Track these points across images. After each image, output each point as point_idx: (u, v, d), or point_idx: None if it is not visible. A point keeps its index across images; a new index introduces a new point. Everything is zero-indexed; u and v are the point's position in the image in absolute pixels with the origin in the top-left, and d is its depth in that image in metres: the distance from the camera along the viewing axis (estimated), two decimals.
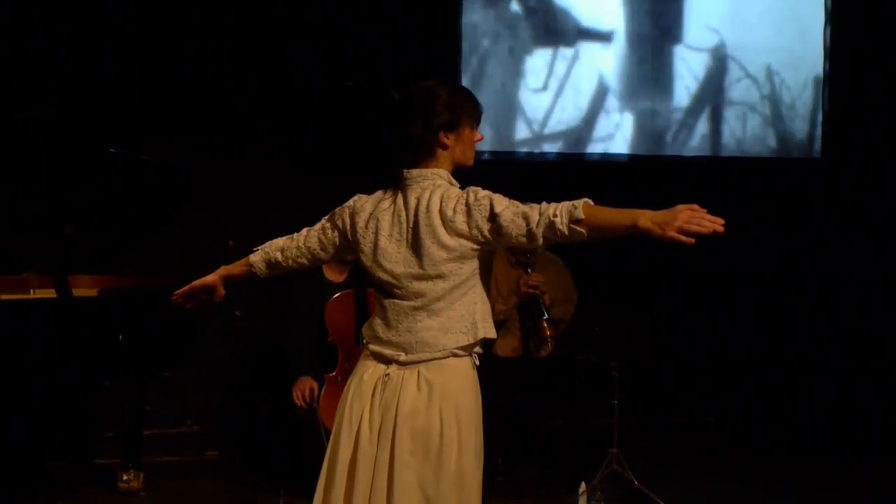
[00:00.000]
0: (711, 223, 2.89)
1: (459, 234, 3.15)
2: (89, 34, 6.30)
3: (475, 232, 3.14)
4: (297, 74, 6.74)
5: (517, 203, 3.13)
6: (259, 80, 6.66)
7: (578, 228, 2.99)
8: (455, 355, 3.23)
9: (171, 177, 5.49)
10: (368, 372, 3.31)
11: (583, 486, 5.45)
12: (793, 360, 7.58)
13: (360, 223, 3.32)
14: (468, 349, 3.24)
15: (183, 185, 5.54)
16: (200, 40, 6.54)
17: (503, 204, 3.12)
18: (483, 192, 3.18)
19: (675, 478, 5.99)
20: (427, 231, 3.18)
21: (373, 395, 3.28)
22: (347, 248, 3.39)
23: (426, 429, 3.18)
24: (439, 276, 3.20)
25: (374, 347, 3.32)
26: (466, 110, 3.29)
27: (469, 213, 3.13)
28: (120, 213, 5.39)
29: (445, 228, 3.16)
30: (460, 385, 3.22)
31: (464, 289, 3.21)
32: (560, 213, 3.01)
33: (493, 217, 3.11)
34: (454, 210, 3.15)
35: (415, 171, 3.26)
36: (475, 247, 3.17)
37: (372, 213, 3.30)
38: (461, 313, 3.22)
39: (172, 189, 5.51)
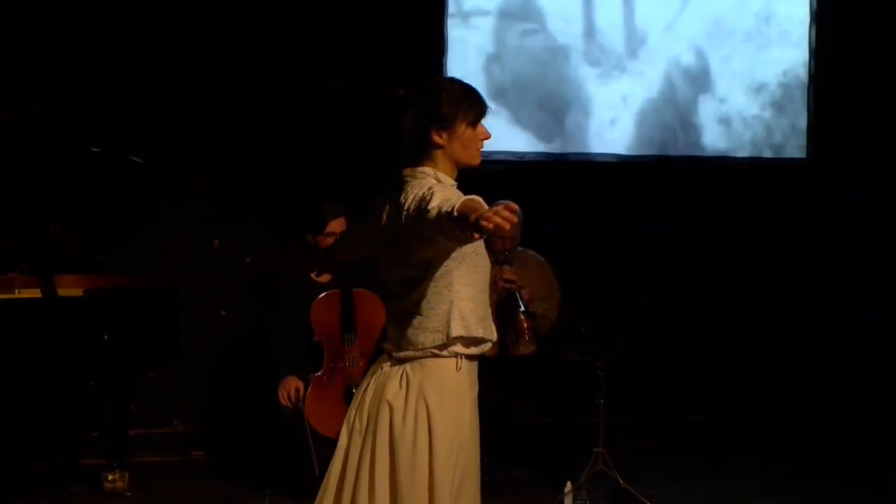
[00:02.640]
0: (497, 221, 2.70)
1: (415, 232, 3.10)
2: (71, 33, 6.29)
3: (420, 227, 3.07)
4: (283, 74, 6.72)
5: (450, 196, 3.03)
6: (244, 79, 6.65)
7: (453, 224, 2.88)
8: (436, 355, 3.22)
9: (154, 176, 5.48)
10: (374, 366, 3.37)
11: (568, 485, 5.45)
12: (779, 360, 7.60)
13: (375, 221, 3.33)
14: (443, 348, 3.22)
15: (166, 184, 5.53)
16: (185, 39, 6.52)
17: (439, 198, 3.02)
18: (433, 188, 3.11)
19: (660, 477, 6.00)
20: (398, 231, 3.16)
21: (366, 389, 3.33)
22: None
23: (400, 427, 3.19)
24: (412, 275, 3.20)
25: (384, 344, 3.37)
26: (462, 108, 3.22)
27: (418, 209, 3.07)
28: (104, 213, 5.38)
29: (406, 227, 3.13)
30: (436, 387, 3.20)
31: (437, 287, 3.20)
32: (446, 207, 2.92)
33: (425, 210, 3.02)
34: (411, 207, 3.11)
35: (408, 170, 3.25)
36: (427, 243, 3.10)
37: (380, 212, 3.30)
38: (437, 312, 3.20)
39: (155, 188, 5.50)
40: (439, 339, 3.21)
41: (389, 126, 3.29)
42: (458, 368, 3.24)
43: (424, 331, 3.22)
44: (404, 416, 3.19)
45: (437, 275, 3.19)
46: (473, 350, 3.27)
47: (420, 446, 3.17)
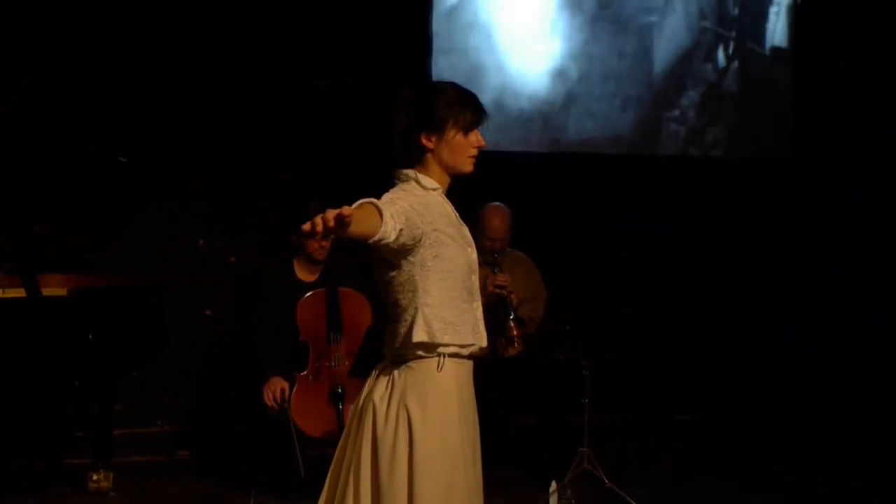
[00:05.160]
0: (313, 222, 2.72)
1: None
2: (70, 32, 6.28)
3: None
4: (278, 74, 6.72)
5: (394, 201, 3.05)
6: (231, 78, 6.64)
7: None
8: (419, 356, 3.21)
9: (140, 175, 5.47)
10: (376, 367, 3.36)
11: (553, 485, 5.45)
12: (766, 359, 7.62)
13: None
14: (409, 351, 3.21)
15: (151, 184, 5.52)
16: (172, 39, 6.51)
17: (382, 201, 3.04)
18: (391, 192, 3.13)
19: (646, 477, 6.01)
20: None
21: (363, 389, 3.34)
22: None
23: (382, 428, 3.19)
24: (385, 280, 3.21)
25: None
26: (453, 113, 3.21)
27: None
28: (89, 212, 5.36)
29: None
30: (418, 389, 3.20)
31: (405, 292, 3.19)
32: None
33: None
34: None
35: (396, 171, 3.25)
36: (384, 249, 3.08)
37: None
38: (405, 317, 3.20)
39: (141, 188, 5.49)
40: (398, 342, 3.22)
41: (387, 126, 3.29)
42: (439, 368, 3.22)
43: (397, 335, 3.23)
44: (386, 418, 3.19)
45: (403, 280, 3.18)
46: (456, 350, 3.25)
47: (399, 448, 3.16)
